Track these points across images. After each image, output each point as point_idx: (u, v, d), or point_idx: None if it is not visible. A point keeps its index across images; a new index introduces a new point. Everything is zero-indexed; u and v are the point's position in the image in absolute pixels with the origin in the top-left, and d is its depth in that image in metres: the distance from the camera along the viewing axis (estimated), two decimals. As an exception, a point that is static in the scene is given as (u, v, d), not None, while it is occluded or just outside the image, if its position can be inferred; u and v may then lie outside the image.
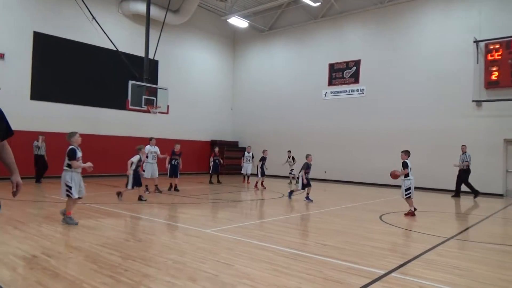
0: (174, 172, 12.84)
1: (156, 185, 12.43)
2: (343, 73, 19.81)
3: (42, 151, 14.39)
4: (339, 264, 4.91)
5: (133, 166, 9.77)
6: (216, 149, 16.67)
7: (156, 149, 12.59)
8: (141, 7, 17.63)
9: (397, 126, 17.55)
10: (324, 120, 20.22)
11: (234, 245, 5.78)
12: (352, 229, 7.89)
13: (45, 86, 15.80)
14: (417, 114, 17.02)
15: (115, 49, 14.77)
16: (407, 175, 9.17)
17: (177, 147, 12.96)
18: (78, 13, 14.60)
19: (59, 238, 5.96)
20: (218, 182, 16.70)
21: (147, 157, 11.83)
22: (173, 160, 12.79)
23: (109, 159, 17.41)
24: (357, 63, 19.32)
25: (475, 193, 13.84)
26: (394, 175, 9.36)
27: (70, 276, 4.14)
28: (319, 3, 18.07)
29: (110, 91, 17.58)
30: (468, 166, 13.91)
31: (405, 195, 9.26)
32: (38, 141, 14.32)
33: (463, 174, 14.02)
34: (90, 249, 5.29)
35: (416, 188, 15.43)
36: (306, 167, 11.15)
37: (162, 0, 18.29)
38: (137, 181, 9.96)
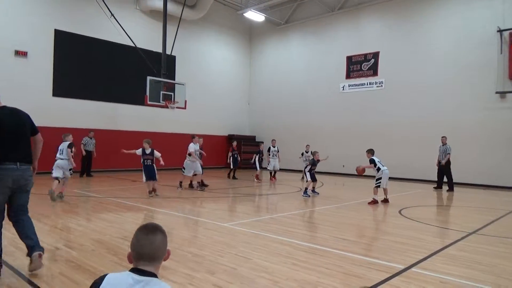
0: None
1: (201, 181, 12.40)
2: (361, 65, 19.51)
3: (90, 147, 14.91)
4: (358, 258, 4.87)
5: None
6: (234, 143, 16.37)
7: (197, 146, 12.28)
8: (158, 3, 17.74)
9: (417, 118, 17.19)
10: (342, 114, 19.99)
11: (252, 239, 5.80)
12: (371, 223, 7.82)
13: (66, 83, 16.12)
14: (439, 107, 16.63)
15: (133, 45, 14.95)
16: (378, 168, 10.00)
17: (200, 142, 12.69)
18: (97, 11, 14.81)
19: (81, 231, 6.10)
20: (234, 177, 16.08)
21: (189, 154, 11.71)
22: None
23: (128, 154, 17.64)
24: (375, 55, 18.99)
25: (448, 186, 13.81)
26: (359, 170, 10.30)
27: (92, 268, 4.23)
28: (337, -5, 17.86)
29: (129, 87, 17.80)
30: (449, 158, 13.83)
31: (375, 184, 10.02)
32: (87, 137, 15.03)
33: (446, 166, 13.86)
34: (110, 242, 5.40)
35: (436, 182, 15.33)
36: (313, 163, 11.32)
37: (178, -5, 18.38)
38: (149, 175, 9.96)
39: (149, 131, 18.85)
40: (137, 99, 16.47)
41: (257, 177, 15.69)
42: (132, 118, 18.30)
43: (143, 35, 18.01)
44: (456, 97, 16.20)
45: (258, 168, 15.72)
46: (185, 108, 15.91)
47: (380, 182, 9.95)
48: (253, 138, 24.03)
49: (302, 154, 16.55)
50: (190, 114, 19.38)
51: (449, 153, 13.80)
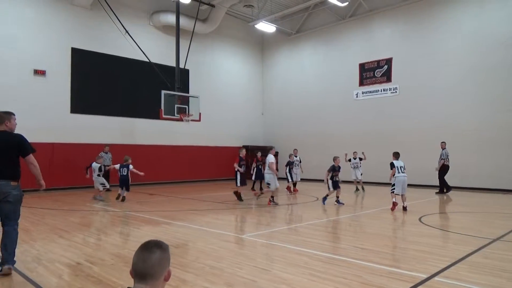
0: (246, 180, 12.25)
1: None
2: (374, 72, 19.40)
3: (106, 162, 14.86)
4: (379, 268, 4.78)
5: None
6: (259, 154, 15.12)
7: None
8: (171, 19, 18.07)
9: (434, 124, 16.93)
10: (357, 121, 19.85)
11: (270, 250, 5.76)
12: (391, 232, 7.69)
13: (83, 100, 16.48)
14: (456, 111, 16.35)
15: (147, 60, 15.22)
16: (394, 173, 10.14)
17: (243, 152, 12.38)
18: (112, 28, 15.16)
19: (100, 245, 6.17)
20: (261, 189, 14.60)
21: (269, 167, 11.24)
22: (242, 167, 12.08)
23: (145, 168, 17.85)
24: (388, 61, 18.86)
25: (447, 189, 14.25)
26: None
27: (112, 282, 4.26)
28: (347, 3, 17.86)
29: (144, 102, 18.09)
30: (447, 162, 14.28)
31: (391, 190, 10.23)
32: (103, 152, 15.01)
33: (441, 170, 14.34)
34: (130, 256, 5.43)
35: (459, 188, 15.10)
36: (333, 170, 11.03)
37: (191, 10, 18.69)
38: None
39: (165, 144, 19.06)
40: (153, 113, 16.72)
41: (289, 189, 15.07)
42: (148, 132, 18.54)
43: (157, 50, 18.33)
44: (472, 100, 15.91)
45: (290, 179, 14.66)
46: (199, 120, 16.04)
47: (394, 189, 9.99)
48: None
49: (350, 160, 15.62)
50: (205, 126, 19.53)
51: (444, 158, 14.26)
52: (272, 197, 11.34)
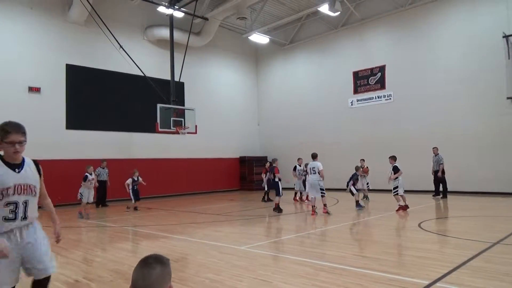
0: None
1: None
2: (368, 80, 19.54)
3: (103, 177, 14.86)
4: (380, 276, 4.74)
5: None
6: (267, 164, 14.81)
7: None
8: (165, 33, 18.17)
9: (429, 129, 17.00)
10: (352, 129, 19.91)
11: (270, 261, 5.72)
12: (391, 238, 7.65)
13: (79, 115, 16.44)
14: (450, 116, 16.45)
15: (142, 74, 15.25)
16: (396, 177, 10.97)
17: (276, 162, 12.48)
18: (106, 44, 15.19)
19: (99, 262, 6.10)
20: (269, 199, 14.91)
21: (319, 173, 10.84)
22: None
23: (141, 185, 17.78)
24: (382, 68, 19.02)
25: (442, 193, 14.38)
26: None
27: (111, 299, 4.20)
28: (338, 12, 18.05)
29: (140, 116, 18.04)
30: (443, 167, 14.45)
31: (393, 192, 10.97)
32: (100, 167, 14.89)
33: (441, 175, 14.44)
34: (129, 271, 5.37)
35: (456, 192, 15.13)
36: (357, 178, 12.26)
37: (184, 23, 18.81)
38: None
39: (162, 158, 19.00)
40: (149, 127, 16.68)
41: (299, 199, 15.06)
42: (144, 146, 18.48)
43: (152, 64, 18.37)
44: (467, 105, 16.03)
45: (303, 189, 14.26)
46: (195, 133, 16.03)
47: (397, 191, 10.88)
48: (265, 158, 23.98)
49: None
50: (201, 139, 19.49)
51: (442, 163, 14.45)
52: (325, 204, 10.93)
